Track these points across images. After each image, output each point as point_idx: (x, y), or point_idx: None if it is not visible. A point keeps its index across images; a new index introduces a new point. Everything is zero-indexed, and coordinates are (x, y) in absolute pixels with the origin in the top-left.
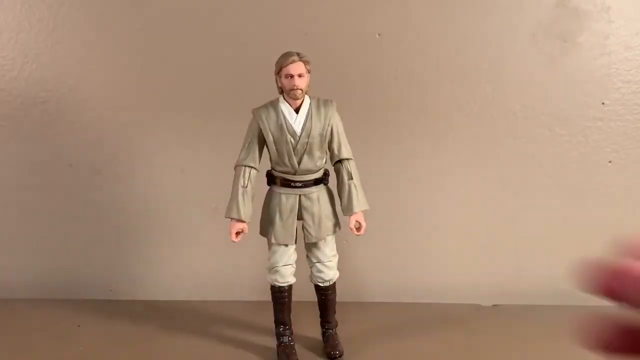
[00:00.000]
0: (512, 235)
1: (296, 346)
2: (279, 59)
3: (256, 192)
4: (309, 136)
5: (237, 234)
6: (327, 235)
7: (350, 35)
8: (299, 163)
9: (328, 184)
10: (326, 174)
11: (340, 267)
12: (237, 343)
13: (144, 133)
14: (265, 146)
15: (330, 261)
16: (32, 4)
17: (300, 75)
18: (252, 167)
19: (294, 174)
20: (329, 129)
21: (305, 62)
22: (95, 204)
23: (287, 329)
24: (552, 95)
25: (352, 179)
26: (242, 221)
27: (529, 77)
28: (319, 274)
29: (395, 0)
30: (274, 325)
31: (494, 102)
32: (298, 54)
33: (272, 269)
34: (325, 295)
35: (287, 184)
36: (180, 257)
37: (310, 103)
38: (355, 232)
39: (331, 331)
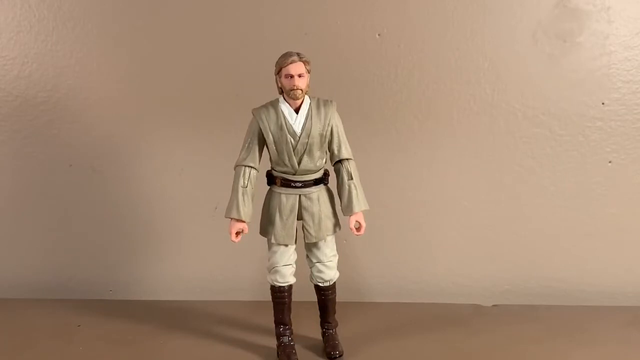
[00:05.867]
0: (512, 236)
1: (296, 346)
2: (279, 59)
3: (256, 192)
4: (309, 136)
5: (237, 234)
6: (327, 235)
7: (350, 35)
8: (299, 163)
9: (328, 184)
10: (326, 174)
11: (340, 267)
12: (237, 343)
13: (143, 133)
14: (265, 146)
15: (330, 261)
16: (32, 4)
17: (300, 75)
18: (252, 167)
19: (294, 174)
20: (329, 129)
21: (305, 62)
22: (95, 204)
23: (287, 329)
24: (552, 95)
25: (352, 179)
26: (242, 221)
27: (529, 77)
28: (319, 274)
29: (395, 0)
30: (274, 325)
31: (494, 102)
32: (298, 54)
33: (272, 269)
34: (325, 295)
35: (287, 184)
36: (180, 257)
37: (310, 103)
38: (355, 232)
39: (331, 331)
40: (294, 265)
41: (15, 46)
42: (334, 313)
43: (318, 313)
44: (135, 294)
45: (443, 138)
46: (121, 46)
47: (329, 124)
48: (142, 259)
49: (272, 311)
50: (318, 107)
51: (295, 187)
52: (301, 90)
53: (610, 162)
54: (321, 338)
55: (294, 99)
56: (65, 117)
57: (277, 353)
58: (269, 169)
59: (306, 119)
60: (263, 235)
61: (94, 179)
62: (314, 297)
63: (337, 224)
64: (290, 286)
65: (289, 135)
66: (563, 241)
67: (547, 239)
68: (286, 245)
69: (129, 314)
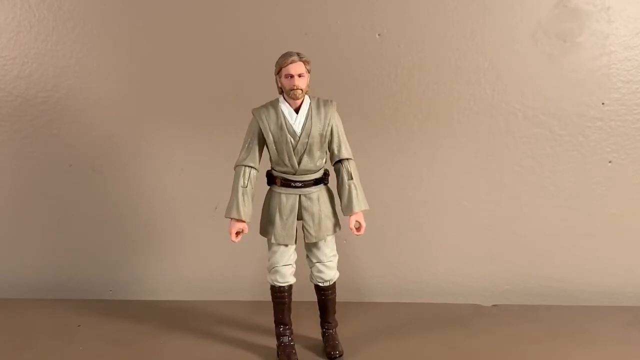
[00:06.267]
0: (512, 236)
1: (296, 346)
2: (279, 59)
3: (256, 192)
4: (309, 136)
5: (237, 234)
6: (327, 235)
7: (350, 35)
8: (299, 163)
9: (328, 184)
10: (326, 174)
11: (340, 267)
12: (237, 343)
13: (143, 133)
14: (265, 146)
15: (330, 261)
16: (32, 4)
17: (300, 75)
18: (252, 167)
19: (294, 174)
20: (329, 128)
21: (305, 62)
22: (95, 204)
23: (287, 329)
24: (552, 95)
25: (352, 179)
26: (242, 221)
27: (529, 77)
28: (319, 274)
29: (395, 0)
30: (274, 325)
31: (494, 102)
32: (298, 54)
33: (272, 269)
34: (325, 295)
35: (287, 184)
36: (180, 257)
37: (310, 103)
38: (355, 232)
39: (331, 331)
40: (294, 265)
41: (15, 46)
42: (334, 313)
43: (318, 313)
44: (135, 294)
45: (443, 138)
46: (121, 46)
47: (329, 124)
48: (142, 259)
49: (272, 311)
50: (318, 107)
51: (295, 187)
52: (301, 90)
53: (610, 162)
54: (321, 338)
55: (294, 99)
56: (65, 117)
57: (277, 353)
58: (269, 169)
59: (306, 118)
60: (263, 235)
61: (94, 179)
62: (314, 297)
63: (337, 224)
64: (290, 286)
65: (289, 135)
66: (563, 241)
67: (547, 239)
68: (286, 245)
69: (129, 314)
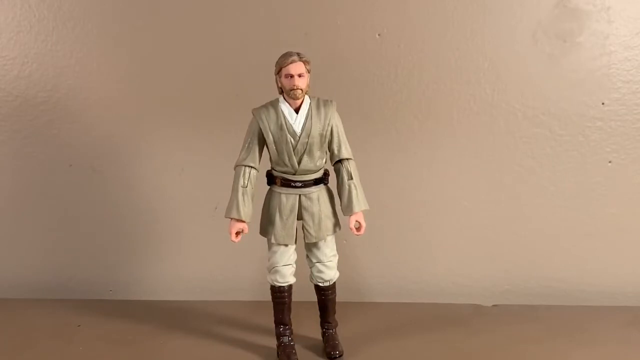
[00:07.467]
0: (512, 236)
1: (296, 346)
2: (279, 59)
3: (256, 192)
4: (309, 136)
5: (237, 234)
6: (327, 235)
7: (350, 35)
8: (299, 163)
9: (328, 184)
10: (326, 174)
11: (340, 267)
12: (237, 343)
13: (143, 133)
14: (265, 146)
15: (330, 261)
16: (32, 4)
17: (300, 75)
18: (252, 167)
19: (294, 174)
20: (329, 128)
21: (305, 62)
22: (95, 204)
23: (287, 329)
24: (552, 95)
25: (352, 179)
26: (242, 221)
27: (529, 77)
28: (319, 274)
29: (395, 0)
30: (274, 325)
31: (494, 102)
32: (298, 54)
33: (272, 269)
34: (325, 295)
35: (287, 183)
36: (180, 257)
37: (310, 103)
38: (355, 232)
39: (331, 331)
40: (294, 265)
41: (15, 46)
42: (334, 313)
43: (318, 313)
44: (135, 294)
45: (443, 138)
46: (121, 46)
47: (328, 124)
48: (142, 259)
49: (272, 311)
50: (318, 107)
51: (295, 187)
52: (301, 90)
53: (610, 162)
54: (321, 338)
55: (294, 99)
56: (65, 117)
57: (277, 353)
58: (269, 169)
59: (306, 118)
60: (263, 235)
61: (94, 179)
62: (314, 297)
63: (337, 224)
64: (290, 286)
65: (289, 135)
66: (563, 241)
67: (547, 239)
68: (286, 245)
69: (129, 314)
